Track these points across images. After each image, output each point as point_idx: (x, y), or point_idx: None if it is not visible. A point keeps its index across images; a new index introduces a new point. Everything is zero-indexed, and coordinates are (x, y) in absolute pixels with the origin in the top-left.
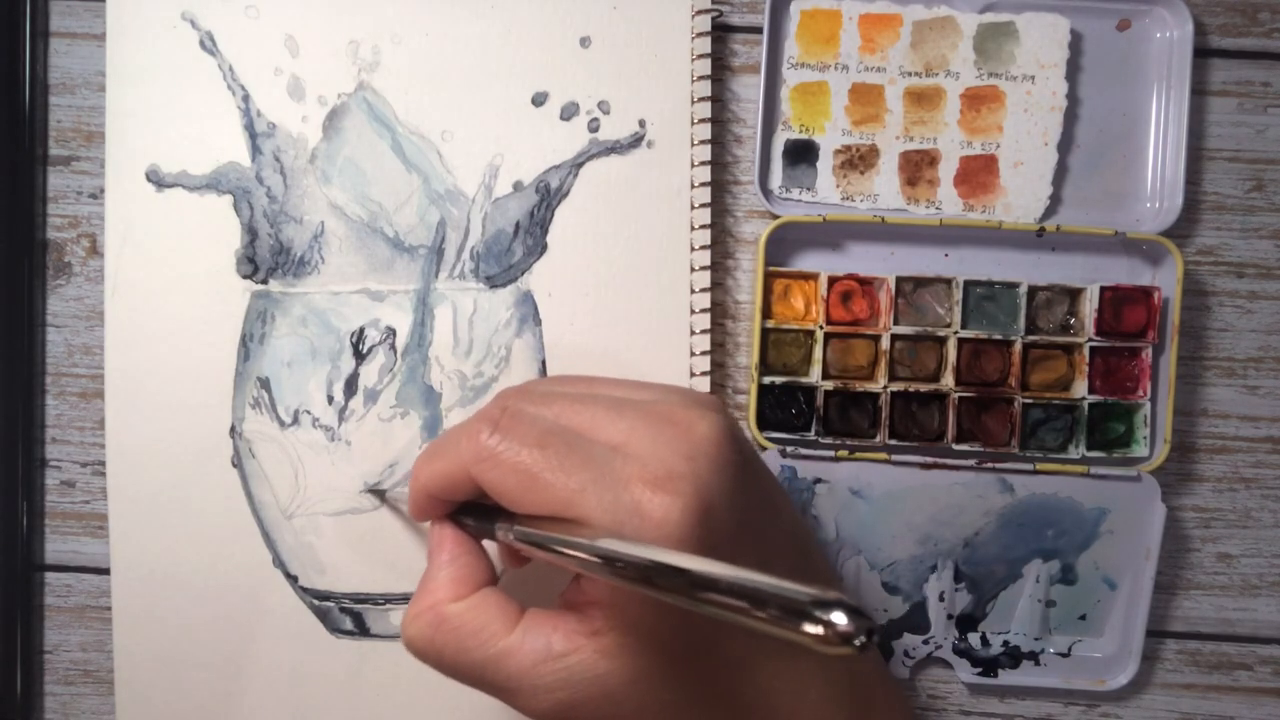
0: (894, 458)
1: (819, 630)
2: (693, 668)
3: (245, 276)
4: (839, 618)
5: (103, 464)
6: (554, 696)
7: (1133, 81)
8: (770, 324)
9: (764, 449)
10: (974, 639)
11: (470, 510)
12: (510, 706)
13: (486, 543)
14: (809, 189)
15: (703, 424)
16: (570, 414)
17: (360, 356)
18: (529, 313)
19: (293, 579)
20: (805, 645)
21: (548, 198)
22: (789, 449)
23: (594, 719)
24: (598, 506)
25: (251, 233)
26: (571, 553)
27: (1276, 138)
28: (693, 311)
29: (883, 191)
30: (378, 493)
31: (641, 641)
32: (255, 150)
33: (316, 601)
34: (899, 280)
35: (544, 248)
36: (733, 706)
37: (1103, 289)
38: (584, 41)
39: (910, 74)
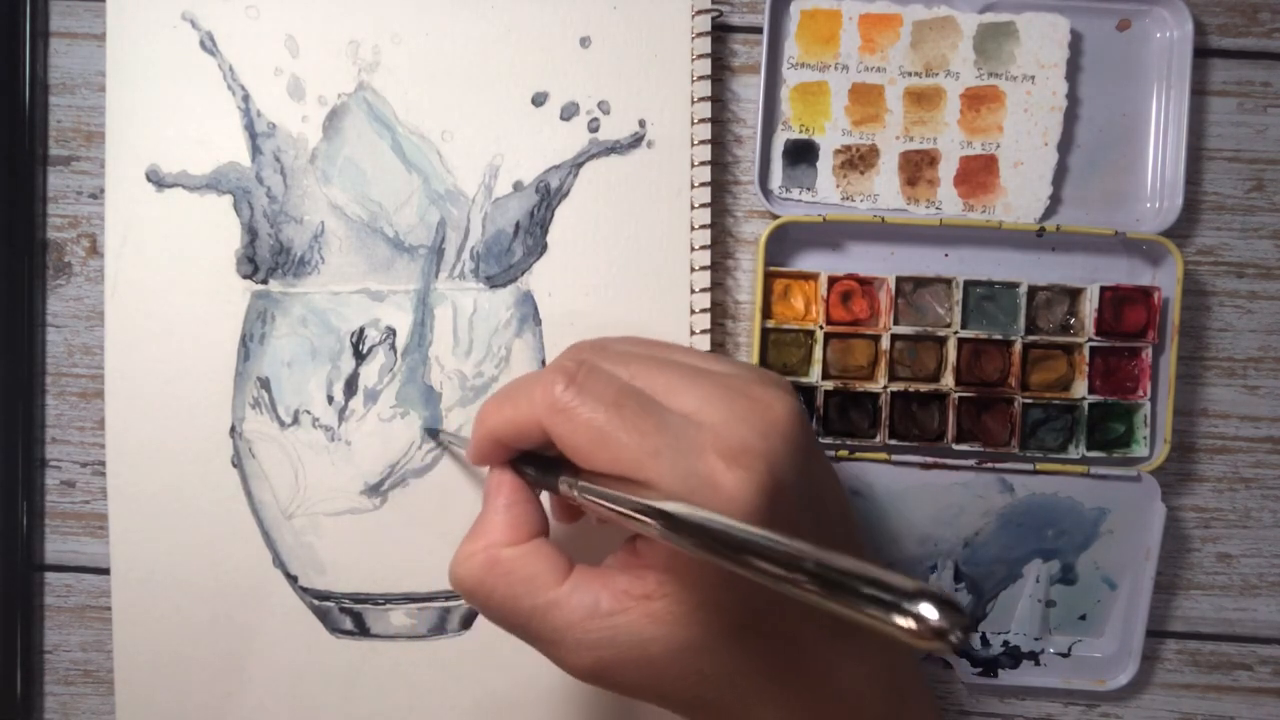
0: (894, 458)
1: (910, 624)
2: (743, 644)
3: (245, 276)
4: (929, 611)
5: (103, 464)
6: (595, 654)
7: (1133, 81)
8: (770, 324)
9: None
10: (974, 639)
11: (531, 460)
12: (549, 659)
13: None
14: (809, 189)
15: (778, 403)
16: (645, 376)
17: (360, 356)
18: (529, 313)
19: (293, 579)
20: (891, 636)
21: (548, 198)
22: None
23: (629, 681)
24: (670, 472)
25: (251, 233)
26: (642, 515)
27: (1276, 138)
28: (693, 311)
29: (883, 191)
30: (431, 432)
31: (694, 613)
32: (255, 150)
33: (316, 601)
34: (899, 280)
35: (544, 248)
36: (776, 685)
37: (1103, 289)
38: (584, 41)
39: (910, 74)
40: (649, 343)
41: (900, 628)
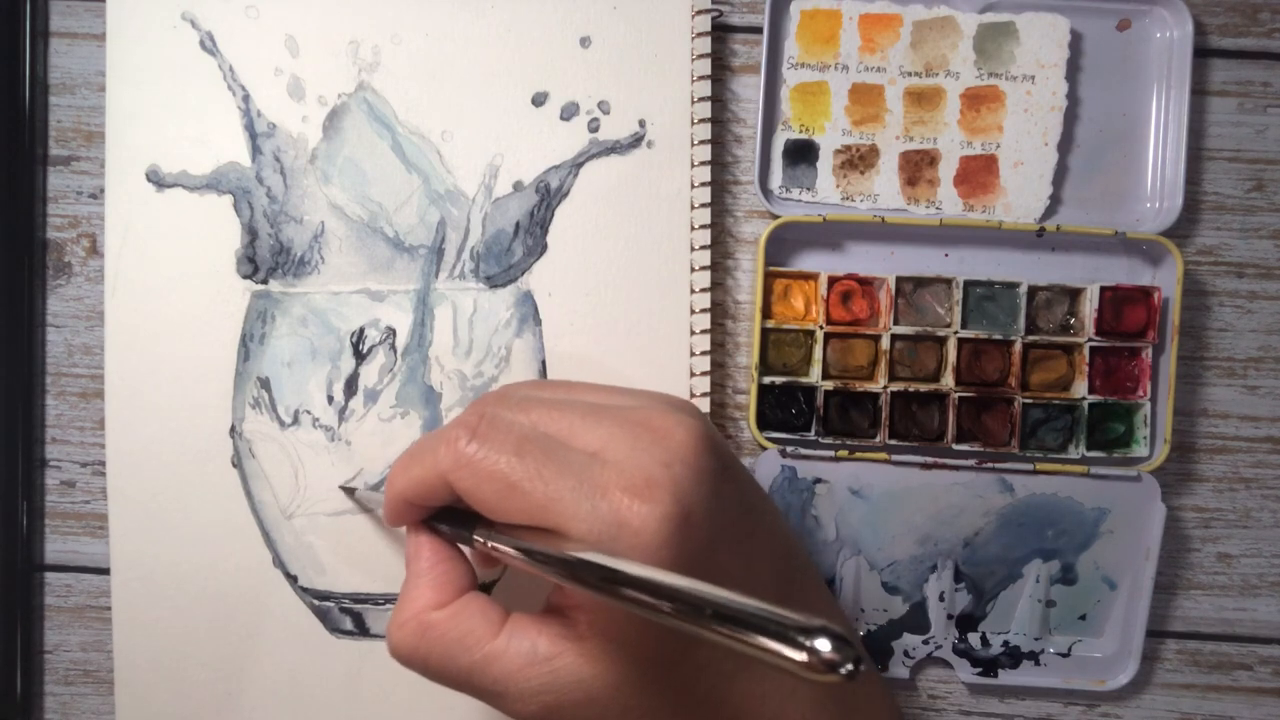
0: (894, 458)
1: (803, 657)
2: (675, 674)
3: (245, 276)
4: (824, 645)
5: (103, 464)
6: (540, 700)
7: (1133, 81)
8: (770, 324)
9: (764, 449)
10: (974, 639)
11: (446, 516)
12: (498, 710)
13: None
14: (809, 189)
15: (680, 430)
16: (548, 420)
17: (360, 356)
18: (529, 313)
19: (292, 579)
20: (786, 670)
21: (548, 198)
22: (789, 449)
23: None
24: (575, 515)
25: (251, 233)
26: (546, 565)
27: (1276, 138)
28: (693, 311)
29: (883, 191)
30: (348, 490)
31: (624, 648)
32: (255, 150)
33: (316, 601)
34: (899, 280)
35: (544, 248)
36: (715, 713)
37: (1103, 289)
38: (584, 41)
39: (910, 74)
40: (552, 384)
41: (795, 661)
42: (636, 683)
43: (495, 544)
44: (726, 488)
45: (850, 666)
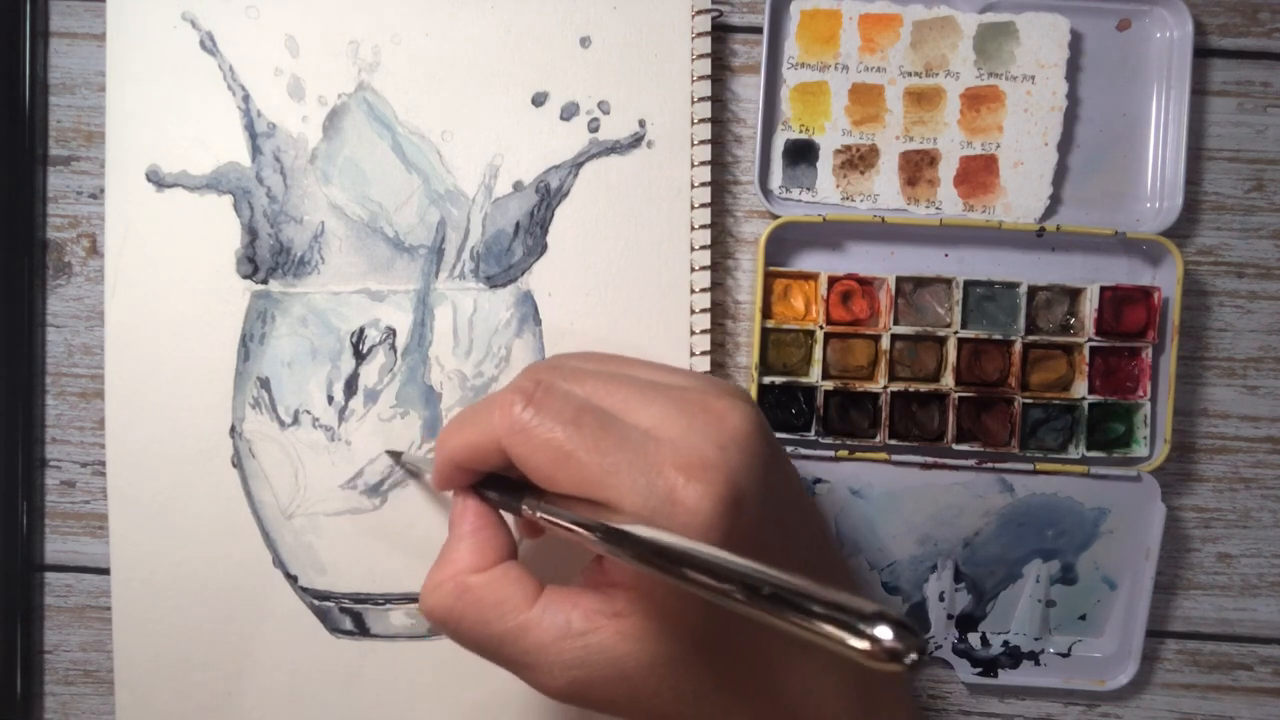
0: (894, 458)
1: (865, 645)
2: (713, 659)
3: (245, 276)
4: (885, 633)
5: (103, 464)
6: (570, 674)
7: (1133, 81)
8: (770, 324)
9: None
10: (974, 639)
11: (494, 483)
12: (525, 681)
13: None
14: (809, 189)
15: (735, 414)
16: (602, 393)
17: (360, 356)
18: (529, 313)
19: (293, 579)
20: (849, 657)
21: (548, 198)
22: (789, 449)
23: (607, 699)
24: (630, 489)
25: (251, 233)
26: (601, 538)
27: (1276, 138)
28: (693, 311)
29: (883, 191)
30: (394, 455)
31: (664, 628)
32: (255, 150)
33: (316, 601)
34: (899, 280)
35: (544, 248)
36: (748, 698)
37: (1103, 289)
38: (584, 41)
39: (910, 74)
40: (605, 358)
41: (855, 649)
42: (673, 664)
43: (545, 514)
44: (776, 477)
45: (914, 656)
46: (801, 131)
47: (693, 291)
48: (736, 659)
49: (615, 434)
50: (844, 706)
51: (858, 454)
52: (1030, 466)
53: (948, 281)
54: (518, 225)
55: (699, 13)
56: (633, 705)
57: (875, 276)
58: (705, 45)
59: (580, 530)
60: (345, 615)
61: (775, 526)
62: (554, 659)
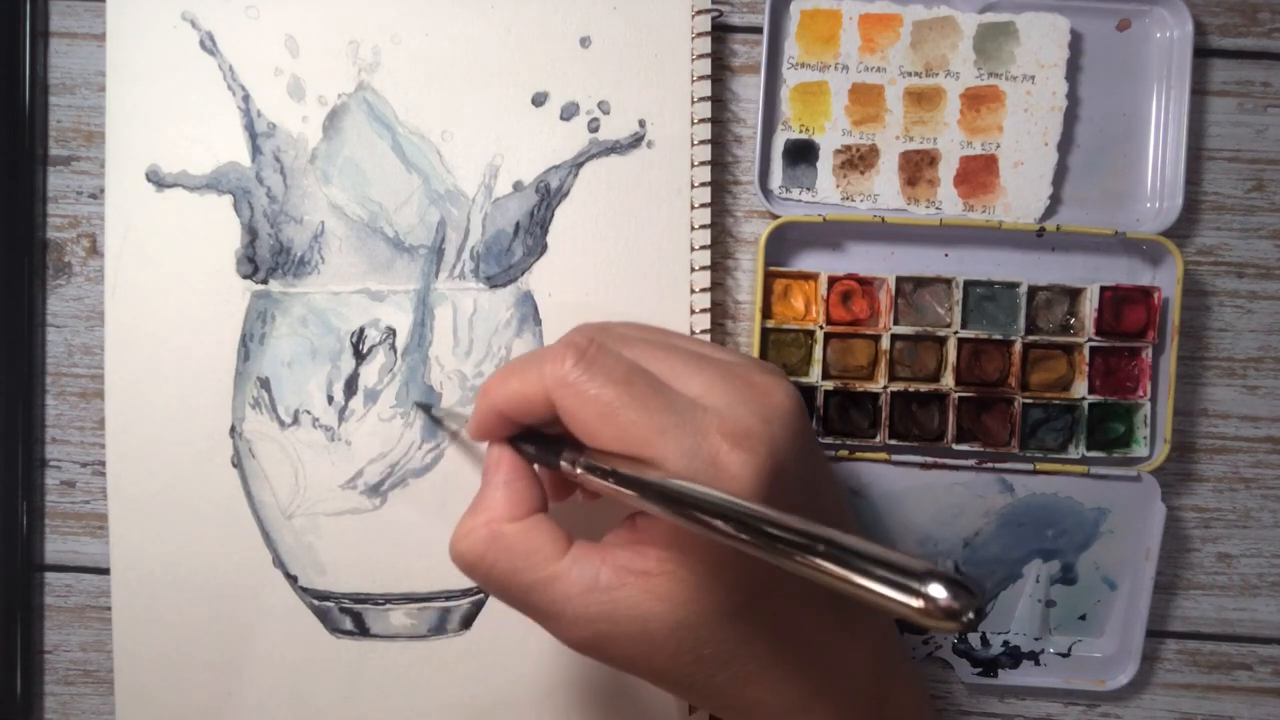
0: (894, 458)
1: (919, 603)
2: (738, 627)
3: (245, 276)
4: (940, 591)
5: (103, 464)
6: (594, 627)
7: (1133, 81)
8: (770, 324)
9: None
10: (974, 639)
11: (531, 437)
12: (548, 631)
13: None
14: (809, 189)
15: (779, 391)
16: (651, 359)
17: (360, 356)
18: (529, 313)
19: (293, 579)
20: (903, 616)
21: (548, 198)
22: None
23: (624, 656)
24: (676, 451)
25: (251, 233)
26: (649, 494)
27: (1276, 138)
28: (693, 311)
29: (883, 191)
30: (423, 407)
31: (693, 592)
32: (255, 150)
33: (316, 601)
34: (899, 280)
35: (544, 248)
36: (768, 669)
37: (1103, 289)
38: (584, 41)
39: (910, 74)
40: (652, 329)
41: (911, 607)
42: (697, 629)
43: (587, 468)
44: (812, 458)
45: (972, 614)
46: (801, 131)
47: (693, 291)
48: (765, 627)
49: (664, 397)
50: (867, 677)
51: (858, 454)
52: (1030, 466)
53: (948, 281)
54: (518, 225)
55: (699, 13)
56: (649, 665)
57: (875, 276)
58: (705, 45)
59: (631, 484)
60: (345, 615)
61: (808, 503)
62: (579, 611)
